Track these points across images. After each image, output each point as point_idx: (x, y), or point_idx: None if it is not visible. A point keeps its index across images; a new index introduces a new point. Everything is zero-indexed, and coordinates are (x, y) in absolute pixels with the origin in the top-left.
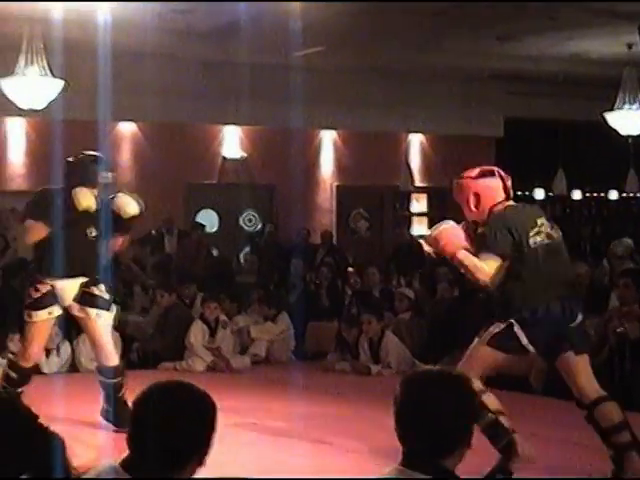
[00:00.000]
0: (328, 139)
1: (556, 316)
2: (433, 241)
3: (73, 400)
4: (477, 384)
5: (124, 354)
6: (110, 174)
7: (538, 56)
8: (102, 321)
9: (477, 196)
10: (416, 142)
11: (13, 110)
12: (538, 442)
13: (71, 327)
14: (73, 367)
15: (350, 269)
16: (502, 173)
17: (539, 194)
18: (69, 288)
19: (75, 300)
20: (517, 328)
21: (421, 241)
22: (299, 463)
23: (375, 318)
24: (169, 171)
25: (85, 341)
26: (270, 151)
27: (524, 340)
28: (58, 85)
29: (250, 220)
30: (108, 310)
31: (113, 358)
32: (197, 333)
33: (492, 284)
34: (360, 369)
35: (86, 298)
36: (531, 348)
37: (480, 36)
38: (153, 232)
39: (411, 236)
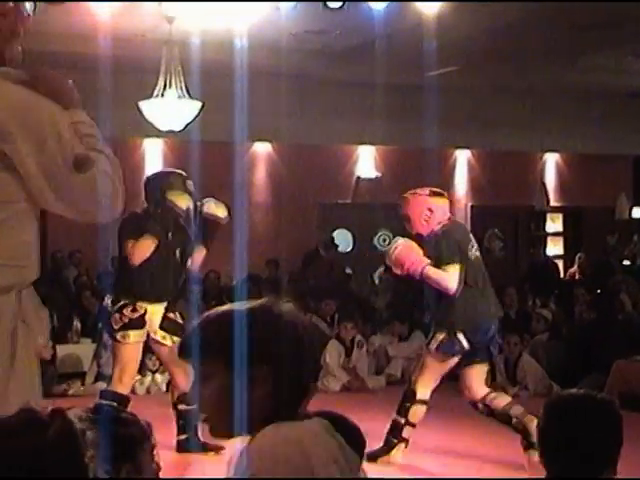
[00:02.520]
0: (463, 159)
1: (490, 326)
2: (396, 263)
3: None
4: (426, 393)
5: None
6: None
7: None
8: None
9: (430, 211)
10: (552, 161)
11: (152, 131)
12: None
13: None
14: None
15: None
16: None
17: None
18: (157, 313)
19: (160, 327)
20: (461, 335)
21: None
22: None
23: (515, 339)
24: (304, 191)
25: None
26: (404, 171)
27: (465, 345)
28: (196, 107)
29: (384, 240)
30: None
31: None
32: (333, 353)
33: (457, 291)
34: (497, 391)
35: (169, 324)
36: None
37: (618, 53)
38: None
39: (546, 256)
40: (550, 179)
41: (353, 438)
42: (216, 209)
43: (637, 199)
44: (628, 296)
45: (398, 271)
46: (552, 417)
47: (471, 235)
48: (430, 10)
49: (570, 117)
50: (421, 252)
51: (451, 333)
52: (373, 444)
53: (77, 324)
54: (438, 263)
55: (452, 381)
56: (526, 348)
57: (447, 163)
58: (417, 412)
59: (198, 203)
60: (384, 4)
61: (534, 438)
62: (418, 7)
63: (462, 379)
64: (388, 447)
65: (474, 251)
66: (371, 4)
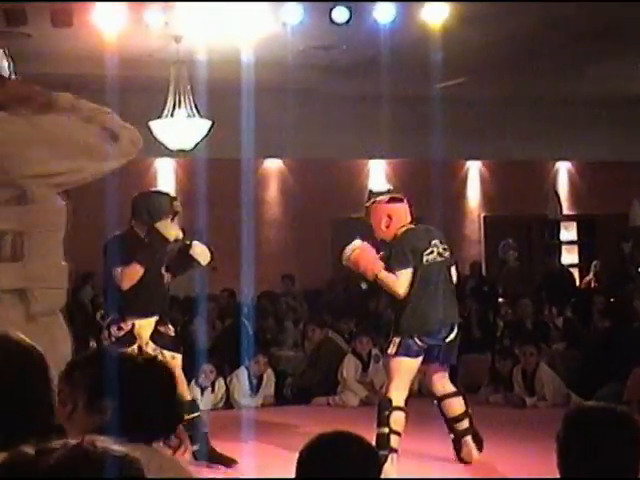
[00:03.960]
0: (474, 170)
1: (440, 330)
2: (353, 263)
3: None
4: (400, 399)
5: (277, 389)
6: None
7: None
8: (177, 362)
9: (389, 218)
10: (564, 170)
11: (163, 151)
12: None
13: (224, 364)
14: (227, 404)
15: (501, 300)
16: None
17: None
18: (147, 327)
19: (151, 339)
20: (415, 337)
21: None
22: None
23: (532, 349)
24: (315, 206)
25: (239, 377)
26: (416, 183)
27: (422, 345)
28: (205, 126)
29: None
30: (179, 351)
31: (186, 394)
32: (350, 367)
33: (407, 295)
34: (515, 401)
35: (160, 338)
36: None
37: (625, 60)
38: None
39: (561, 265)
40: (562, 188)
41: (368, 457)
42: (200, 254)
43: None
44: None
45: (352, 268)
46: (572, 429)
47: (436, 240)
48: (435, 21)
49: (580, 125)
50: (377, 255)
51: (405, 336)
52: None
53: (93, 345)
54: (390, 267)
55: None
56: (543, 358)
57: (459, 174)
58: (398, 419)
59: (187, 242)
60: (390, 18)
61: (461, 454)
62: (423, 19)
63: (424, 375)
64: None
65: (433, 255)
66: (377, 17)
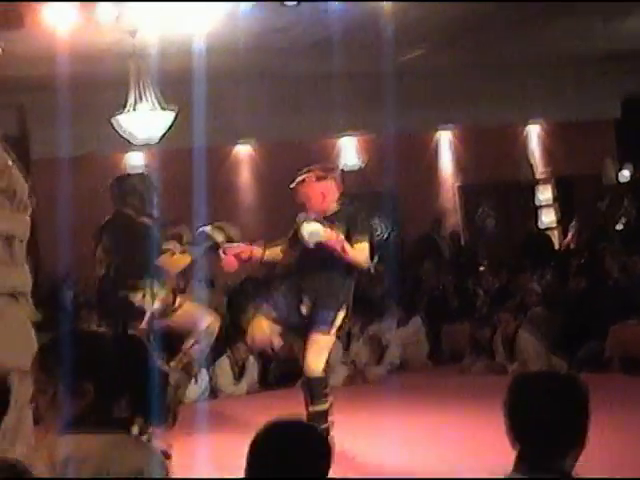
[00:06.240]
0: (445, 140)
1: None
2: (325, 241)
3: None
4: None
5: (262, 375)
6: None
7: None
8: None
9: (323, 195)
10: (534, 133)
11: (130, 146)
12: None
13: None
14: (212, 394)
15: (481, 268)
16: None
17: None
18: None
19: None
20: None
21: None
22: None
23: (508, 316)
24: (289, 189)
25: (221, 366)
26: (388, 158)
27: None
28: (169, 117)
29: (375, 230)
30: None
31: None
32: (332, 348)
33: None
34: (496, 369)
35: None
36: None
37: (586, 18)
38: None
39: (539, 229)
40: (534, 150)
41: (318, 445)
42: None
43: (622, 162)
44: (614, 261)
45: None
46: (517, 396)
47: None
48: None
49: (548, 86)
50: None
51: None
52: (378, 436)
53: None
54: (353, 239)
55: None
56: (521, 324)
57: (429, 146)
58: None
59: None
60: None
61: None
62: None
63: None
64: None
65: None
66: None
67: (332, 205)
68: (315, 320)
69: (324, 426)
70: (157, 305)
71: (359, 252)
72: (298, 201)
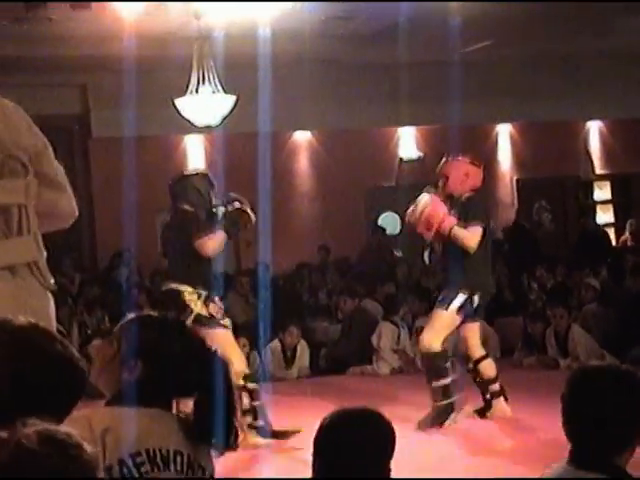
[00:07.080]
0: (504, 133)
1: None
2: (425, 218)
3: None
4: (442, 346)
5: (312, 361)
6: None
7: None
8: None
9: (466, 176)
10: (595, 129)
11: (190, 128)
12: None
13: (257, 337)
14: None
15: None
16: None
17: None
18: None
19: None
20: (477, 297)
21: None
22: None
23: (562, 311)
24: (347, 177)
25: (273, 349)
26: (446, 149)
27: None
28: (230, 101)
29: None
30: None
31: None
32: (387, 335)
33: (475, 251)
34: (548, 363)
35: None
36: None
37: None
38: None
39: (596, 225)
40: (594, 147)
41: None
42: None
43: None
44: None
45: (422, 229)
46: (575, 389)
47: None
48: None
49: (610, 83)
50: (446, 209)
51: (468, 294)
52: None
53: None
54: (465, 222)
55: None
56: (576, 319)
57: (489, 138)
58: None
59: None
60: None
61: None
62: None
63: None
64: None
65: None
66: None
67: (466, 190)
68: (438, 298)
69: (447, 401)
70: (200, 309)
71: (470, 235)
72: (432, 179)
